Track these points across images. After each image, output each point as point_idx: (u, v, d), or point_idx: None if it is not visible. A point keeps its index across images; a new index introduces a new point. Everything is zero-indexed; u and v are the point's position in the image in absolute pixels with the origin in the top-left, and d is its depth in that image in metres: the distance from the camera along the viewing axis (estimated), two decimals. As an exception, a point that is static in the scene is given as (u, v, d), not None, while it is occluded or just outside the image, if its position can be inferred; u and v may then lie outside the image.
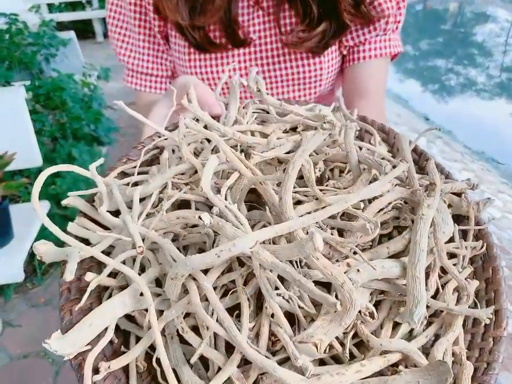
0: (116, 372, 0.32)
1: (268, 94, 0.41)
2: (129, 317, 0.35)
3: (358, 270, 0.30)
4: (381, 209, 0.35)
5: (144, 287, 0.30)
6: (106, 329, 0.32)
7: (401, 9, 0.68)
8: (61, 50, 2.38)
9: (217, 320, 0.30)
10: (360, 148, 0.42)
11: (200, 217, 0.27)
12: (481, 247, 0.37)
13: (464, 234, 0.40)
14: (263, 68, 0.69)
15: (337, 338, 0.31)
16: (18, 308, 1.74)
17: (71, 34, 2.61)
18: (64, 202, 0.40)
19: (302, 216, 0.30)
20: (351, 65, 0.70)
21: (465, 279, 0.34)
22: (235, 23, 0.63)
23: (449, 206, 0.40)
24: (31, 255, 1.76)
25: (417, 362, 0.29)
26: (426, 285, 0.32)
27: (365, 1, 0.62)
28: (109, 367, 0.30)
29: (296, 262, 0.30)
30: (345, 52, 0.70)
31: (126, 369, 0.33)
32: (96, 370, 0.30)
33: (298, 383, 0.27)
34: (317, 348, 0.26)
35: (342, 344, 0.31)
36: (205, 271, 0.31)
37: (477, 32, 10.38)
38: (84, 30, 6.08)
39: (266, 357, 0.29)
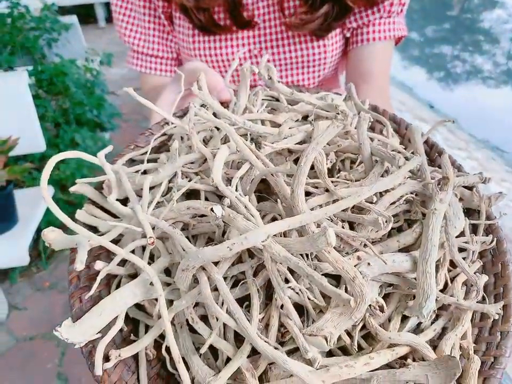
0: (126, 360, 0.32)
1: (279, 81, 0.41)
2: (138, 306, 0.35)
3: (369, 264, 0.30)
4: (393, 203, 0.35)
5: (155, 277, 0.30)
6: (116, 317, 0.32)
7: None
8: (63, 35, 2.35)
9: (227, 311, 0.30)
10: (372, 140, 0.41)
11: (212, 210, 0.27)
12: (491, 242, 0.36)
13: (474, 228, 0.39)
14: (267, 50, 0.69)
15: (345, 330, 0.31)
16: (24, 291, 1.76)
17: (73, 19, 2.57)
18: (72, 189, 0.40)
19: (313, 209, 0.30)
20: (355, 47, 0.69)
21: (474, 273, 0.34)
22: (240, 5, 0.63)
23: (460, 199, 0.40)
24: (36, 239, 1.77)
25: (426, 356, 0.29)
26: (435, 278, 0.31)
27: None
28: (119, 355, 0.30)
29: (306, 254, 0.30)
30: (348, 34, 0.69)
31: (135, 356, 0.33)
32: (106, 358, 0.30)
33: (306, 374, 0.27)
34: (326, 341, 0.26)
35: (350, 336, 0.31)
36: (215, 262, 0.31)
37: (484, 18, 10.19)
38: (86, 15, 5.99)
39: (275, 348, 0.29)
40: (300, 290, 0.30)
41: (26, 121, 1.48)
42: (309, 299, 0.30)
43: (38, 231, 1.45)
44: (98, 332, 0.31)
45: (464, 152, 3.95)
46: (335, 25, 0.64)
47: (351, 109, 0.46)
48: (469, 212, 0.41)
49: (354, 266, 0.30)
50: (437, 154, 0.44)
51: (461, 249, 0.37)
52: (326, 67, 0.70)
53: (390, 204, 0.35)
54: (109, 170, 0.37)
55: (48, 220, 1.58)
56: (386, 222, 0.30)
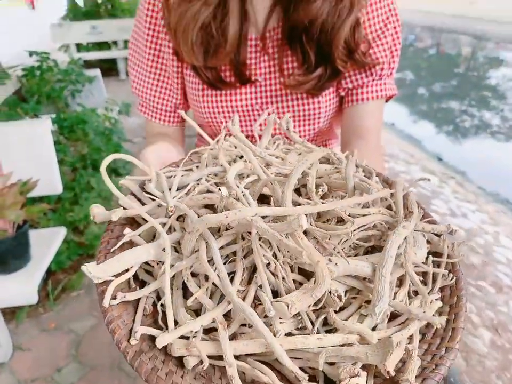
0: (128, 304, 0.38)
1: (294, 132, 0.48)
2: (147, 272, 0.42)
3: (336, 264, 0.36)
4: (366, 226, 0.41)
5: (167, 241, 0.37)
6: (130, 269, 0.39)
7: (395, 57, 0.75)
8: (87, 87, 2.53)
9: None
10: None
11: (220, 189, 0.35)
12: (451, 279, 0.41)
13: (438, 267, 0.44)
14: (267, 105, 0.76)
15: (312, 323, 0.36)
16: (29, 331, 1.78)
17: (97, 72, 2.78)
18: (121, 182, 0.47)
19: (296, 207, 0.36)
20: (350, 105, 0.77)
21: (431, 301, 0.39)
22: (243, 65, 0.71)
23: (429, 242, 0.45)
24: (46, 279, 1.81)
25: (370, 343, 0.34)
26: (395, 295, 0.38)
27: (357, 50, 0.69)
28: (124, 297, 0.37)
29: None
30: (343, 94, 0.77)
31: (136, 307, 0.39)
32: (114, 298, 0.37)
33: (271, 338, 0.31)
34: (288, 308, 0.31)
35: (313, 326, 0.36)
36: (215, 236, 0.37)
37: (490, 75, 10.54)
38: (109, 68, 6.44)
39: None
40: (276, 272, 0.35)
41: (46, 165, 1.58)
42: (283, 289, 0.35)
43: (48, 271, 1.50)
44: (114, 276, 0.38)
45: (473, 205, 3.93)
46: (328, 86, 0.72)
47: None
48: (436, 255, 0.46)
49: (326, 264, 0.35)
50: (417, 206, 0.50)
51: (423, 282, 0.42)
52: (321, 121, 0.77)
53: (362, 226, 0.40)
54: (151, 170, 0.45)
55: (59, 260, 1.63)
56: (352, 235, 0.36)
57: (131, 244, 0.41)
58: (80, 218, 1.88)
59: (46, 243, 1.54)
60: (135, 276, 0.41)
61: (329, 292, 0.34)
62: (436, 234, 0.47)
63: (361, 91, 0.74)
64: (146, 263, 0.40)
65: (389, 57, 0.74)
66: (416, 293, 0.40)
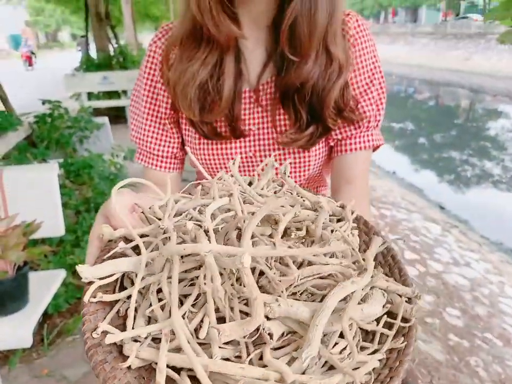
0: (106, 305, 0.43)
1: (288, 176, 0.52)
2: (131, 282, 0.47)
3: (280, 305, 0.37)
4: (321, 274, 0.42)
5: (144, 257, 0.42)
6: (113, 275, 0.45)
7: (380, 110, 0.80)
8: (94, 133, 2.64)
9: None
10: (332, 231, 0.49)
11: (186, 223, 0.41)
12: (402, 342, 0.41)
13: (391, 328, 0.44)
14: (260, 153, 0.80)
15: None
16: (21, 377, 1.72)
17: (105, 119, 2.90)
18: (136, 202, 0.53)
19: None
20: (339, 155, 0.81)
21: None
22: (237, 120, 0.75)
23: (392, 303, 0.45)
24: (41, 323, 1.79)
25: (285, 382, 0.35)
26: (335, 345, 0.39)
27: (346, 108, 0.74)
28: (101, 297, 0.42)
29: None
30: (332, 144, 0.81)
31: (111, 307, 0.44)
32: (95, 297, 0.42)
33: (192, 357, 0.34)
34: (218, 335, 0.33)
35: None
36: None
37: (489, 127, 10.78)
38: (117, 116, 6.69)
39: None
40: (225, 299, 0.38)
41: (51, 207, 1.61)
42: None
43: (44, 314, 1.48)
44: (99, 279, 0.43)
45: (477, 254, 3.89)
46: (318, 141, 0.77)
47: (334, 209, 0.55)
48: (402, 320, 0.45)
49: (269, 302, 0.37)
50: (394, 263, 0.51)
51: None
52: (311, 169, 0.81)
53: (317, 274, 0.42)
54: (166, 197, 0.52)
55: (56, 303, 1.62)
56: (298, 278, 0.38)
57: (124, 256, 0.47)
58: (80, 260, 1.88)
59: (45, 285, 1.54)
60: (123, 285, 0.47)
61: (263, 329, 0.35)
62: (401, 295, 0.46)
63: (349, 142, 0.79)
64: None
65: (375, 111, 0.79)
66: (362, 348, 0.40)
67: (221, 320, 0.38)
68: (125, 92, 6.80)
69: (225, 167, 0.80)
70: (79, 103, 2.74)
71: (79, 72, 7.30)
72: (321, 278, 0.43)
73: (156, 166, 0.84)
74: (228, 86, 0.71)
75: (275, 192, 0.57)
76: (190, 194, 0.57)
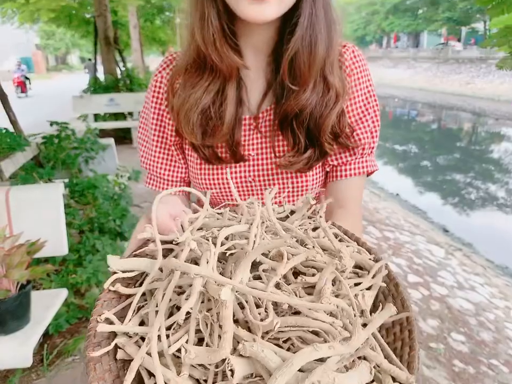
0: (121, 295, 0.48)
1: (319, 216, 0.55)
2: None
3: (253, 346, 0.36)
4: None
5: (157, 264, 0.45)
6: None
7: (375, 137, 0.83)
8: (100, 154, 2.68)
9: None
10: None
11: (189, 243, 0.43)
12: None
13: None
14: (259, 178, 0.83)
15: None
16: (19, 399, 1.71)
17: (111, 141, 2.95)
18: (139, 236, 0.54)
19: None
20: (334, 180, 0.84)
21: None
22: (238, 145, 0.78)
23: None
24: (41, 343, 1.78)
25: None
26: None
27: (342, 134, 0.77)
28: (118, 288, 0.47)
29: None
30: (328, 169, 0.84)
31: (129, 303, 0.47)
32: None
33: (156, 366, 0.36)
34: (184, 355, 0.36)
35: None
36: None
37: (492, 149, 10.81)
38: (123, 137, 6.80)
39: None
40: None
41: (55, 227, 1.63)
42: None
43: (45, 334, 1.48)
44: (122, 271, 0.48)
45: (482, 278, 3.84)
46: (316, 165, 0.80)
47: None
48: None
49: (244, 340, 0.37)
50: (393, 287, 0.49)
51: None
52: (308, 193, 0.84)
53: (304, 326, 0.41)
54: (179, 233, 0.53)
55: (57, 323, 1.62)
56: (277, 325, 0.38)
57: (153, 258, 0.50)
58: (82, 280, 1.89)
59: (46, 305, 1.54)
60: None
61: (227, 363, 0.36)
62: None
63: (344, 168, 0.82)
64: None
65: (369, 138, 0.82)
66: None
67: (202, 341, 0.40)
68: (131, 114, 6.93)
69: (226, 191, 0.82)
70: (86, 124, 2.79)
71: (86, 94, 7.45)
72: (312, 331, 0.41)
73: (164, 189, 0.87)
74: (229, 113, 0.74)
75: (314, 229, 0.56)
76: (234, 212, 0.59)
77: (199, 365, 0.39)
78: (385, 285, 0.50)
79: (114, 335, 0.43)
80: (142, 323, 0.45)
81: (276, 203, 0.78)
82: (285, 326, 0.39)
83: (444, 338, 2.41)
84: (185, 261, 0.43)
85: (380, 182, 7.48)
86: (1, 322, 1.31)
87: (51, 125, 2.67)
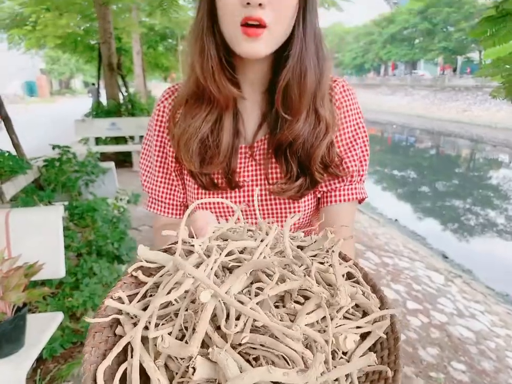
0: (139, 286, 0.51)
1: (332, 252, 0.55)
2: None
3: (220, 353, 0.38)
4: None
5: (171, 261, 0.47)
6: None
7: (364, 166, 0.87)
8: (100, 177, 2.71)
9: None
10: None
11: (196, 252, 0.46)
12: None
13: None
14: (253, 203, 0.85)
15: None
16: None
17: (111, 164, 2.99)
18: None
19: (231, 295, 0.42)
20: (325, 206, 0.87)
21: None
22: (233, 172, 0.82)
23: None
24: (34, 367, 1.75)
25: None
26: None
27: (332, 164, 0.81)
28: (136, 276, 0.51)
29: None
30: (319, 195, 0.88)
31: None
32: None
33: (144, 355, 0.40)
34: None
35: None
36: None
37: (491, 176, 10.88)
38: (123, 160, 6.87)
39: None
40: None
41: (53, 249, 1.64)
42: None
43: (38, 358, 1.46)
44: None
45: (482, 305, 3.80)
46: (307, 193, 0.83)
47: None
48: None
49: (216, 346, 0.39)
50: (393, 341, 0.47)
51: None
52: (300, 219, 0.87)
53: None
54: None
55: (51, 347, 1.60)
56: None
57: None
58: (78, 304, 1.87)
59: (42, 328, 1.52)
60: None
61: (193, 361, 0.38)
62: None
63: (334, 194, 0.85)
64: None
65: (358, 167, 0.86)
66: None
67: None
68: (132, 137, 7.02)
69: (221, 215, 0.85)
70: (87, 148, 2.84)
71: (88, 118, 7.57)
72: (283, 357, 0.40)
73: (167, 213, 0.91)
74: (226, 142, 0.78)
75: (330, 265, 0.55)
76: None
77: (176, 358, 0.40)
78: (385, 337, 0.47)
79: (121, 313, 0.46)
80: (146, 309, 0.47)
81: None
82: (258, 344, 0.40)
83: (444, 367, 2.37)
84: (194, 265, 0.46)
85: (378, 208, 7.50)
86: (-5, 346, 1.30)
87: (53, 148, 2.71)
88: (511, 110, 16.44)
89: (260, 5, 0.63)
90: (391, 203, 8.01)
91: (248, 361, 0.40)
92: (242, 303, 0.42)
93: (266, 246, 0.50)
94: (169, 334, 0.42)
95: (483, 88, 20.88)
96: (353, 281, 0.54)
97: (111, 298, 0.46)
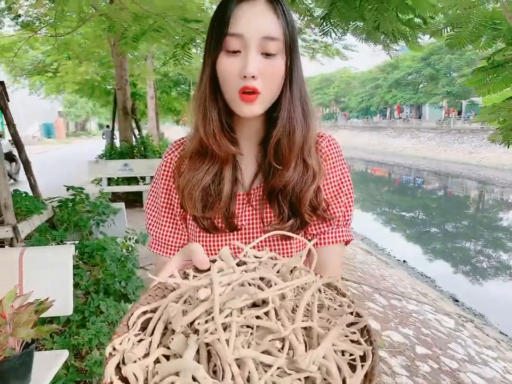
0: (159, 301, 0.54)
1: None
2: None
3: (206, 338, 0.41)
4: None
5: (185, 286, 0.52)
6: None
7: (349, 212, 0.95)
8: (110, 217, 2.80)
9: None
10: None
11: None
12: None
13: None
14: (250, 243, 0.92)
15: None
16: None
17: (122, 205, 3.10)
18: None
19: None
20: (314, 248, 0.93)
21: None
22: (232, 216, 0.91)
23: None
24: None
25: None
26: None
27: (319, 207, 0.90)
28: (156, 289, 0.56)
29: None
30: (309, 238, 0.95)
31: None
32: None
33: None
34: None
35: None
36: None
37: (501, 217, 10.78)
38: (134, 200, 7.01)
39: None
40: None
41: (63, 287, 1.69)
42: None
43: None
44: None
45: (495, 351, 3.69)
46: (298, 233, 0.91)
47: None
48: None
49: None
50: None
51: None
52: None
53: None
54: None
55: (56, 386, 1.61)
56: None
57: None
58: (84, 342, 1.90)
59: (47, 365, 1.55)
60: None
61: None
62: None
63: (323, 237, 0.93)
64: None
65: (343, 212, 0.94)
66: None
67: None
68: (143, 178, 7.20)
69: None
70: (99, 188, 2.96)
71: (101, 159, 7.82)
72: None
73: (169, 254, 0.99)
74: (226, 190, 0.88)
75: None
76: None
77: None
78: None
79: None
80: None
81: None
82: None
83: (454, 415, 2.29)
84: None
85: (387, 249, 7.44)
86: (3, 381, 1.33)
87: (67, 189, 2.83)
88: (518, 152, 16.50)
89: (253, 77, 0.76)
90: (399, 244, 7.94)
91: None
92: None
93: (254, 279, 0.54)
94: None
95: (488, 131, 21.13)
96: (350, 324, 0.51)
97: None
